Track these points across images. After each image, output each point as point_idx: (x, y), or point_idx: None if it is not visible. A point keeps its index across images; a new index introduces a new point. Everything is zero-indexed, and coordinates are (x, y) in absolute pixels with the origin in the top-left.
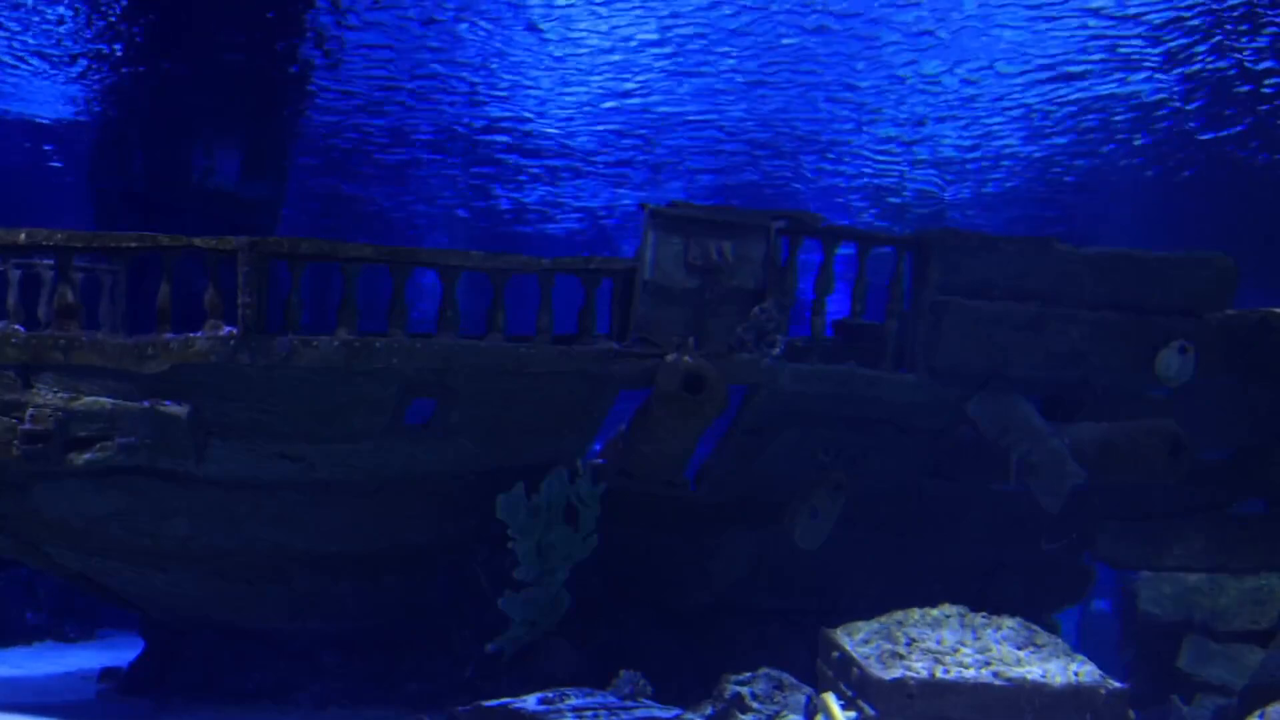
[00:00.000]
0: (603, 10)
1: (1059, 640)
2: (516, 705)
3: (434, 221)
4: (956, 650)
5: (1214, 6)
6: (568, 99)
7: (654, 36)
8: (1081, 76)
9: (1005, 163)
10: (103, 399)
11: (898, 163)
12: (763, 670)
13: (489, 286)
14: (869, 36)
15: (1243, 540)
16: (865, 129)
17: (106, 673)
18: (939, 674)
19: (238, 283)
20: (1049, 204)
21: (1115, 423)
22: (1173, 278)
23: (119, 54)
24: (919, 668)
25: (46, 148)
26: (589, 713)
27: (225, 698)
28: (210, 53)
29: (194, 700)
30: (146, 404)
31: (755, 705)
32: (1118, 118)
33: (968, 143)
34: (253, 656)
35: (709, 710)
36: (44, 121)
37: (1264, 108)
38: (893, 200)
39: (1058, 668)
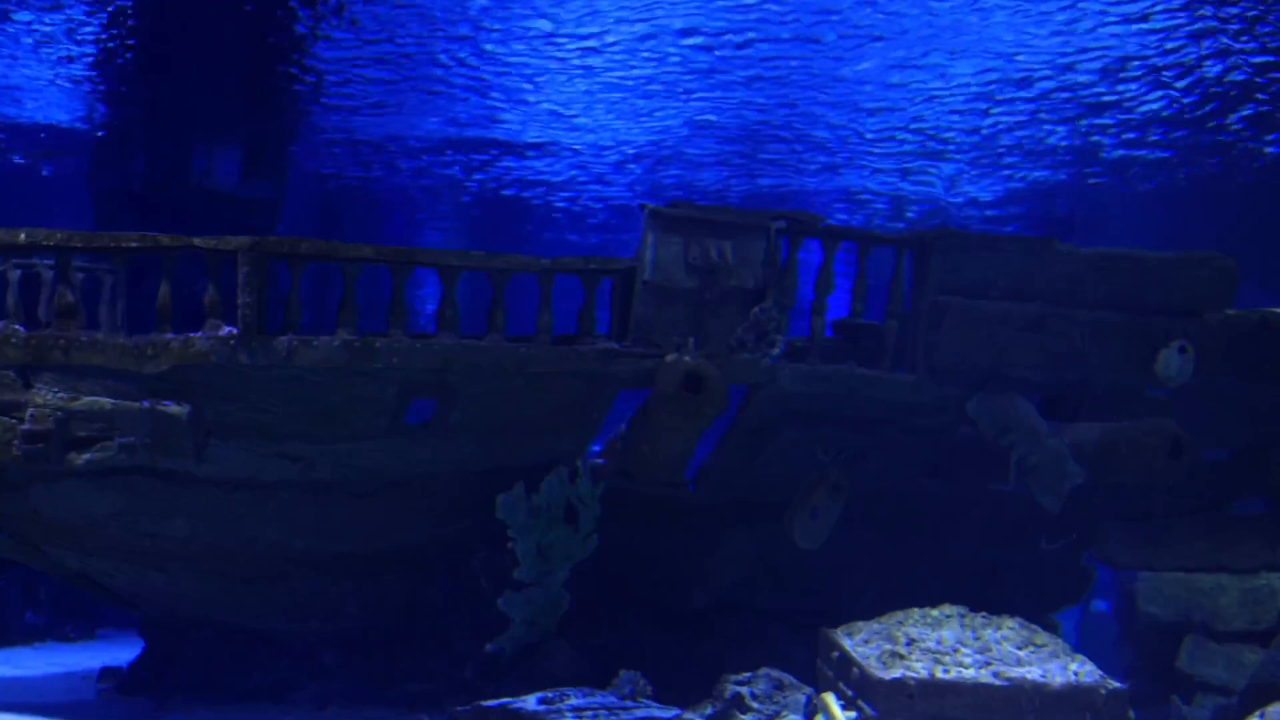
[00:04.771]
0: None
1: (1059, 640)
2: (516, 705)
3: (440, 225)
4: (956, 650)
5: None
6: (576, 97)
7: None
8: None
9: (1011, 159)
10: (103, 399)
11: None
12: (763, 670)
13: (489, 286)
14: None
15: (1243, 540)
16: (871, 127)
17: (106, 673)
18: (939, 674)
19: (238, 283)
20: (1054, 203)
21: (1115, 423)
22: (1173, 278)
23: (118, 53)
24: (919, 668)
25: (44, 149)
26: (589, 713)
27: (225, 697)
28: (210, 51)
29: (194, 700)
30: (146, 404)
31: (755, 705)
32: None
33: (972, 140)
34: (253, 656)
35: (709, 710)
36: (42, 122)
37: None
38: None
39: (1057, 668)
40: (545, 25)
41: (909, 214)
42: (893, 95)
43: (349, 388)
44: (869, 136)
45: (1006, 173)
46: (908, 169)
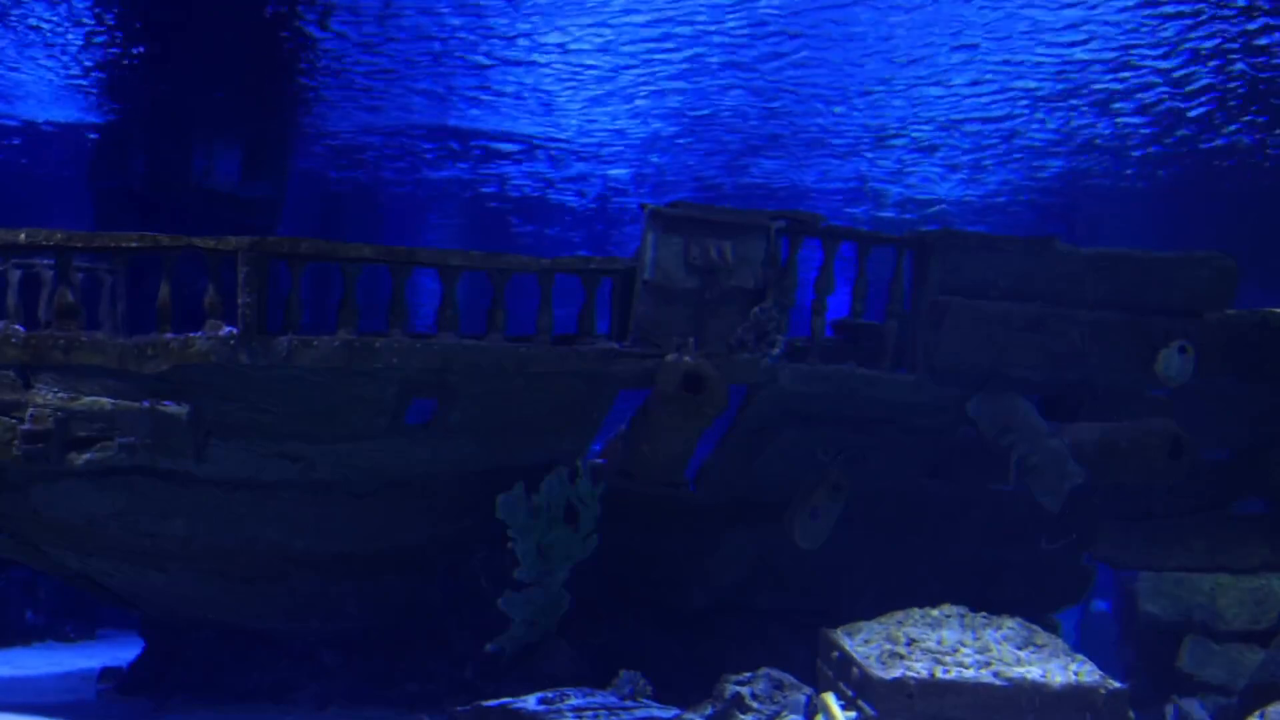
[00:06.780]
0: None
1: (1059, 640)
2: (516, 705)
3: (439, 224)
4: (956, 650)
5: None
6: (576, 97)
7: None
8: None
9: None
10: (103, 399)
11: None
12: (763, 670)
13: (489, 286)
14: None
15: (1243, 540)
16: (868, 125)
17: (106, 673)
18: (939, 674)
19: (238, 283)
20: (1054, 200)
21: (1115, 423)
22: (1173, 278)
23: (118, 53)
24: (919, 668)
25: (44, 149)
26: (589, 713)
27: (225, 697)
28: (211, 51)
29: (194, 700)
30: (146, 404)
31: (755, 705)
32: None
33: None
34: (253, 656)
35: (709, 710)
36: (42, 122)
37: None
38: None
39: (1057, 668)
40: (545, 22)
41: (909, 213)
42: (892, 93)
43: (349, 388)
44: (870, 134)
45: (1007, 171)
46: (907, 167)
